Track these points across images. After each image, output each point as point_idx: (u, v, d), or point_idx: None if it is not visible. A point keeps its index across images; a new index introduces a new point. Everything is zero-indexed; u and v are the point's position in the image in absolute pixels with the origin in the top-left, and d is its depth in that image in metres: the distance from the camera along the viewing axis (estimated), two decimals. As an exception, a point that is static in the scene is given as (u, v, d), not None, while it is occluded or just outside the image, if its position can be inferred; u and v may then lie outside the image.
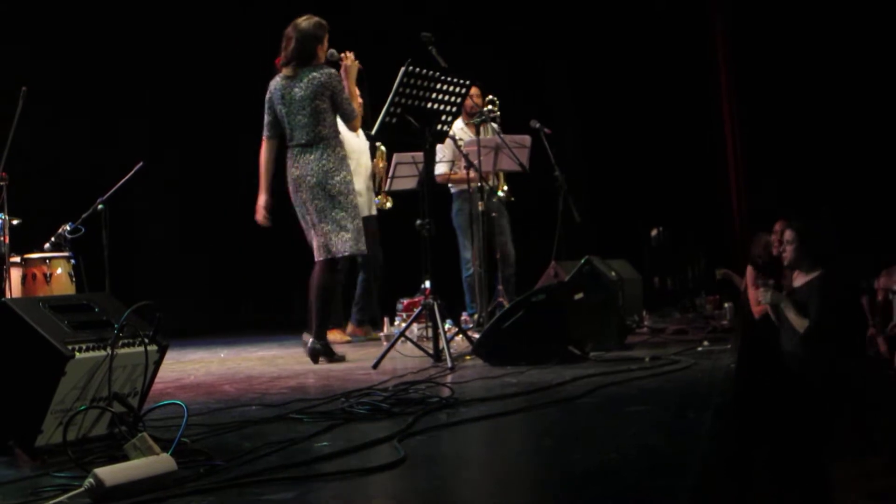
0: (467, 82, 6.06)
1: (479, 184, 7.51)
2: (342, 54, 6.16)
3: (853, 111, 13.04)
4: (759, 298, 7.30)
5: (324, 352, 6.18)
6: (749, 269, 8.21)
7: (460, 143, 7.52)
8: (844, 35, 13.14)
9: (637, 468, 2.48)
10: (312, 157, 6.14)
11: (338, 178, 6.12)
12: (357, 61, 6.18)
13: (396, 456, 2.67)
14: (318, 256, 6.17)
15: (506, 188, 8.16)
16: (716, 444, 2.80)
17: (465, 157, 7.29)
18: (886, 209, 9.59)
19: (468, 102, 7.78)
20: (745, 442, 5.31)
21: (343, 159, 6.19)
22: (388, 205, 8.20)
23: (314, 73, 6.07)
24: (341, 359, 6.22)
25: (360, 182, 7.99)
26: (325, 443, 3.03)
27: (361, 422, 3.45)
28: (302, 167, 6.16)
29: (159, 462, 2.54)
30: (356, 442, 2.96)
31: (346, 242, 6.10)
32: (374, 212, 8.16)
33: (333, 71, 6.11)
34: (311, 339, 6.22)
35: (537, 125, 7.98)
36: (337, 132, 6.18)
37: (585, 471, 2.52)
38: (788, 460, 7.37)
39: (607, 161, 13.20)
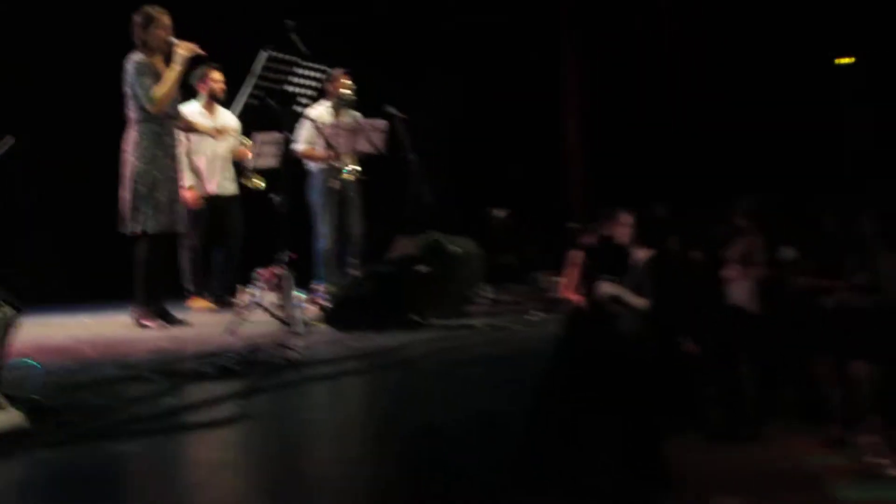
0: (325, 68, 6.04)
1: (334, 163, 7.50)
2: (175, 41, 6.03)
3: (691, 111, 13.49)
4: (600, 292, 7.43)
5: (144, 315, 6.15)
6: (576, 253, 8.35)
7: (323, 125, 7.50)
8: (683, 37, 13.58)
9: (467, 425, 2.50)
10: (126, 138, 6.08)
11: (142, 159, 6.00)
12: (191, 45, 6.03)
13: (239, 412, 2.64)
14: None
15: (358, 168, 8.12)
16: (541, 403, 2.83)
17: (325, 138, 7.27)
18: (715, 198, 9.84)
19: (336, 86, 7.78)
20: (569, 403, 5.41)
21: (147, 141, 6.03)
22: (262, 184, 8.08)
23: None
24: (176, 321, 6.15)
25: (217, 162, 7.88)
26: (174, 400, 2.98)
27: (210, 381, 3.39)
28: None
29: (9, 418, 2.46)
30: (204, 399, 2.93)
31: (147, 220, 6.02)
32: (235, 191, 8.08)
33: (133, 56, 5.97)
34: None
35: (393, 111, 7.98)
36: (145, 116, 6.00)
37: (419, 428, 2.53)
38: (615, 424, 7.55)
39: (461, 146, 13.36)
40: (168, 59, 6.09)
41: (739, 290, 9.05)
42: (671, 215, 9.01)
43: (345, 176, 7.80)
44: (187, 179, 7.34)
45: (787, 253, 9.09)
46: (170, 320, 6.16)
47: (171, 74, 6.00)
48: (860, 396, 7.76)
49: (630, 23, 14.11)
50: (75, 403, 2.99)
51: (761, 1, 13.83)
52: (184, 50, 5.97)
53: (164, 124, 6.13)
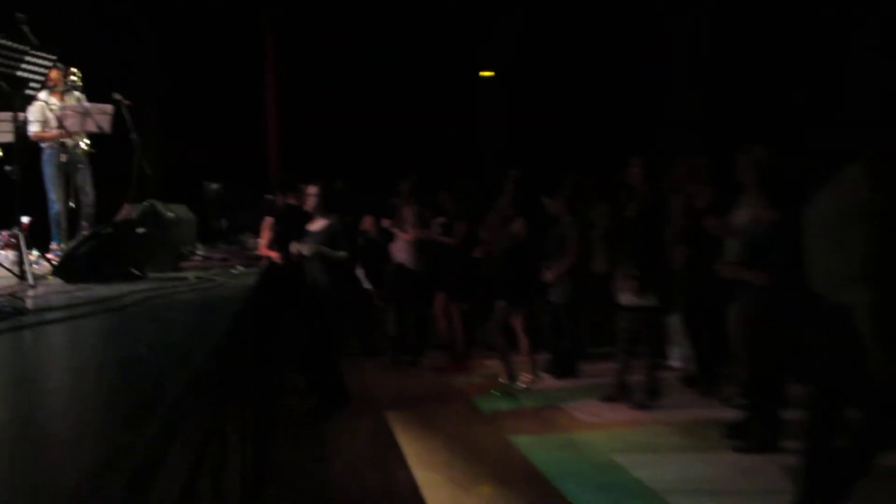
0: (52, 57, 5.71)
1: (63, 140, 7.24)
2: None
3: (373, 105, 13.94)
4: (300, 250, 7.47)
5: None
6: (269, 219, 8.42)
7: (53, 107, 7.20)
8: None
9: (162, 358, 2.44)
10: None
11: None
12: None
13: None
14: None
15: (87, 142, 7.78)
16: (228, 340, 2.80)
17: (58, 119, 7.05)
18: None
19: (55, 74, 7.40)
20: (259, 337, 5.40)
21: None
22: None
23: None
24: None
25: None
26: None
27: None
28: None
29: None
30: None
31: None
32: None
33: None
34: None
35: (118, 97, 7.69)
36: None
37: (122, 360, 2.46)
38: (302, 352, 7.64)
39: (181, 129, 13.28)
40: None
41: (400, 249, 9.40)
42: (349, 189, 9.19)
43: (77, 151, 7.59)
44: None
45: (438, 220, 9.50)
46: None
47: None
48: (492, 329, 8.24)
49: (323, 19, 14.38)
50: None
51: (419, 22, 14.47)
52: None
53: None
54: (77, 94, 7.56)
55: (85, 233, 7.14)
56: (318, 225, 7.51)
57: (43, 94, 7.08)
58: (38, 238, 6.69)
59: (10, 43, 5.42)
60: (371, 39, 14.59)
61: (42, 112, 7.27)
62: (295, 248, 7.48)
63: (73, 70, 7.60)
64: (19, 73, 5.55)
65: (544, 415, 7.02)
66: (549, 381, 8.20)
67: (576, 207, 8.26)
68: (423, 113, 14.60)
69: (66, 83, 7.52)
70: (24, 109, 6.04)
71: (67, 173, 7.54)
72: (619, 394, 7.23)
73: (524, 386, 7.88)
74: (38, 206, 7.25)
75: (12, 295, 4.34)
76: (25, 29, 5.76)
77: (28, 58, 5.56)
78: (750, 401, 5.98)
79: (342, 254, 7.35)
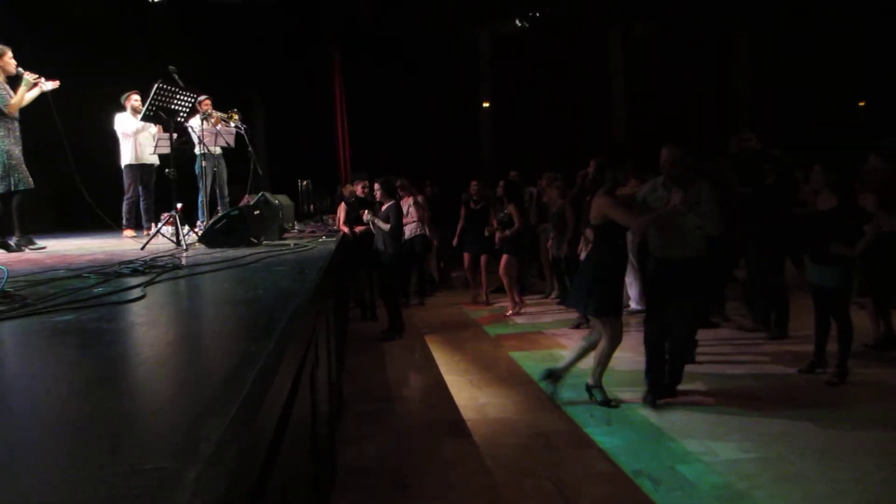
0: (194, 95, 5.72)
1: (207, 150, 7.24)
2: (26, 73, 5.25)
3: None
4: (366, 219, 7.43)
5: (26, 243, 5.47)
6: (342, 206, 8.37)
7: (196, 129, 7.22)
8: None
9: (273, 297, 2.45)
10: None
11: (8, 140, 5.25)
12: (40, 78, 5.27)
13: (142, 294, 2.49)
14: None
15: (220, 151, 7.78)
16: (317, 285, 2.80)
17: (199, 138, 7.03)
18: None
19: (202, 106, 7.41)
20: (337, 284, 5.38)
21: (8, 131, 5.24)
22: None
23: None
24: (41, 247, 5.47)
25: (148, 146, 7.22)
26: (100, 288, 2.76)
27: (125, 277, 3.16)
28: None
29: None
30: (120, 287, 2.73)
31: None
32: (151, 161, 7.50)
33: None
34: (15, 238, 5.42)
35: (239, 123, 7.70)
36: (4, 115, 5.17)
37: (245, 298, 2.47)
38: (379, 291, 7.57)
39: (280, 143, 13.38)
40: (13, 82, 5.32)
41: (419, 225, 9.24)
42: (406, 182, 9.11)
43: (217, 157, 7.64)
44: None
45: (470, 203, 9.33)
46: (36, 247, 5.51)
47: (23, 95, 5.28)
48: (489, 277, 8.24)
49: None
50: (34, 293, 2.71)
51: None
52: (32, 81, 5.38)
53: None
54: (212, 120, 7.51)
55: (220, 214, 7.21)
56: (384, 206, 7.46)
57: (193, 120, 7.08)
58: (188, 217, 6.73)
59: (166, 86, 5.44)
60: (408, 78, 14.55)
61: (194, 132, 7.29)
62: (365, 214, 7.44)
63: (209, 103, 7.58)
64: (172, 106, 5.56)
65: (531, 337, 7.01)
66: (531, 314, 8.16)
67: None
68: (442, 129, 14.69)
69: (205, 113, 7.50)
70: (177, 131, 6.03)
71: (213, 173, 7.59)
72: (582, 323, 7.20)
73: (511, 313, 8.00)
74: (187, 196, 7.30)
75: (172, 255, 4.38)
76: (175, 76, 5.77)
77: (178, 96, 5.57)
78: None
79: (385, 226, 7.27)
